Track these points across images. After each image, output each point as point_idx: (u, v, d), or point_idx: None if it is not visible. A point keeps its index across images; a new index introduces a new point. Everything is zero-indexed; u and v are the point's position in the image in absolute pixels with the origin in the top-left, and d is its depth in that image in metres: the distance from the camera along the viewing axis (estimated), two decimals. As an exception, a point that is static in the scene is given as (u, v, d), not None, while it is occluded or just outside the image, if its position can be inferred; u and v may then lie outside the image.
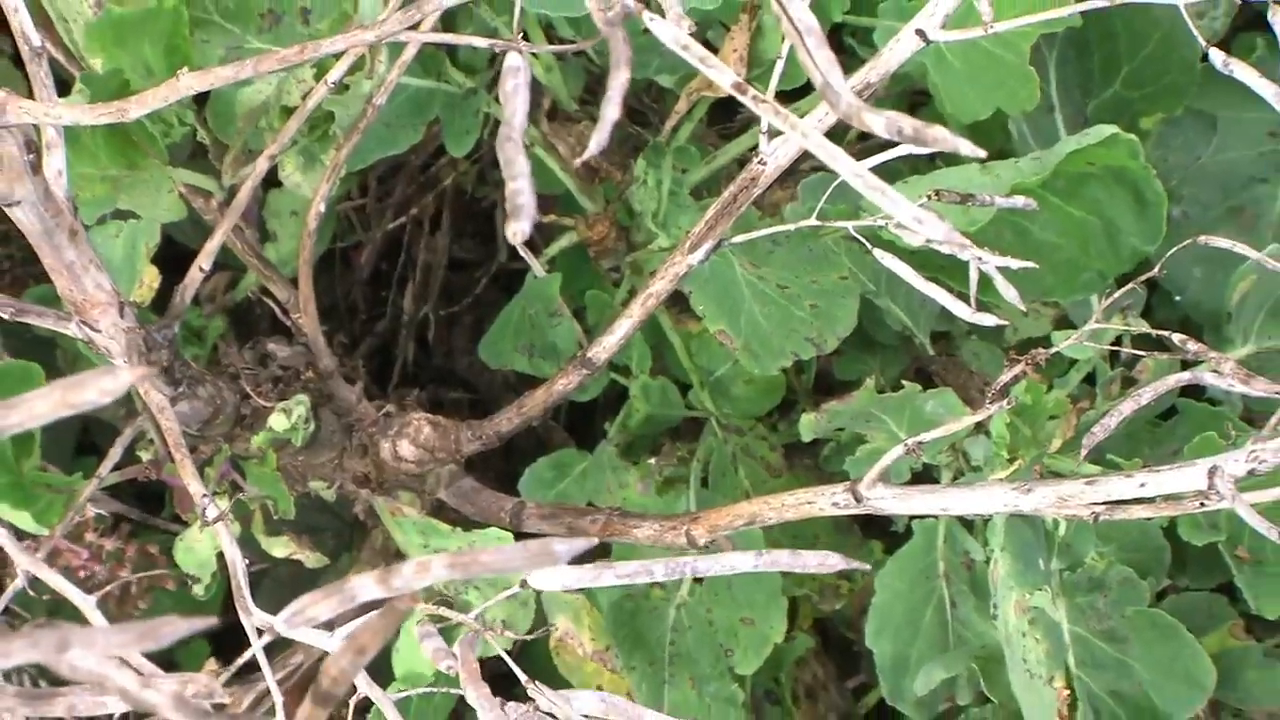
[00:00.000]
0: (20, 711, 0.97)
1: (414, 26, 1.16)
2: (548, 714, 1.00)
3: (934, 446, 1.79)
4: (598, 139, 0.78)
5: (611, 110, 0.77)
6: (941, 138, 0.76)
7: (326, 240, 2.24)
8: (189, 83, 1.18)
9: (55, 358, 2.06)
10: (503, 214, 2.33)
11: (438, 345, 2.50)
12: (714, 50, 1.81)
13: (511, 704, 0.99)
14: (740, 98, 0.82)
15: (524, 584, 0.93)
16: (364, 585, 0.76)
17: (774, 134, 1.54)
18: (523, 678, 1.02)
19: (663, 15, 0.89)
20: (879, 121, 0.76)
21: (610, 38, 0.80)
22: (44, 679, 2.00)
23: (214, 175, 1.88)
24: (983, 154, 0.77)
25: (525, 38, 1.77)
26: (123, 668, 0.69)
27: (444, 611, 1.01)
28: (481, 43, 0.97)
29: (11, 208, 1.39)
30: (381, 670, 1.45)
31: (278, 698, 1.02)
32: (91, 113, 1.22)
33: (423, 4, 0.97)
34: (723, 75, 0.83)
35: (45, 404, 0.65)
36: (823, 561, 1.02)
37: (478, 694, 0.94)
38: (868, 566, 1.26)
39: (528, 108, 0.82)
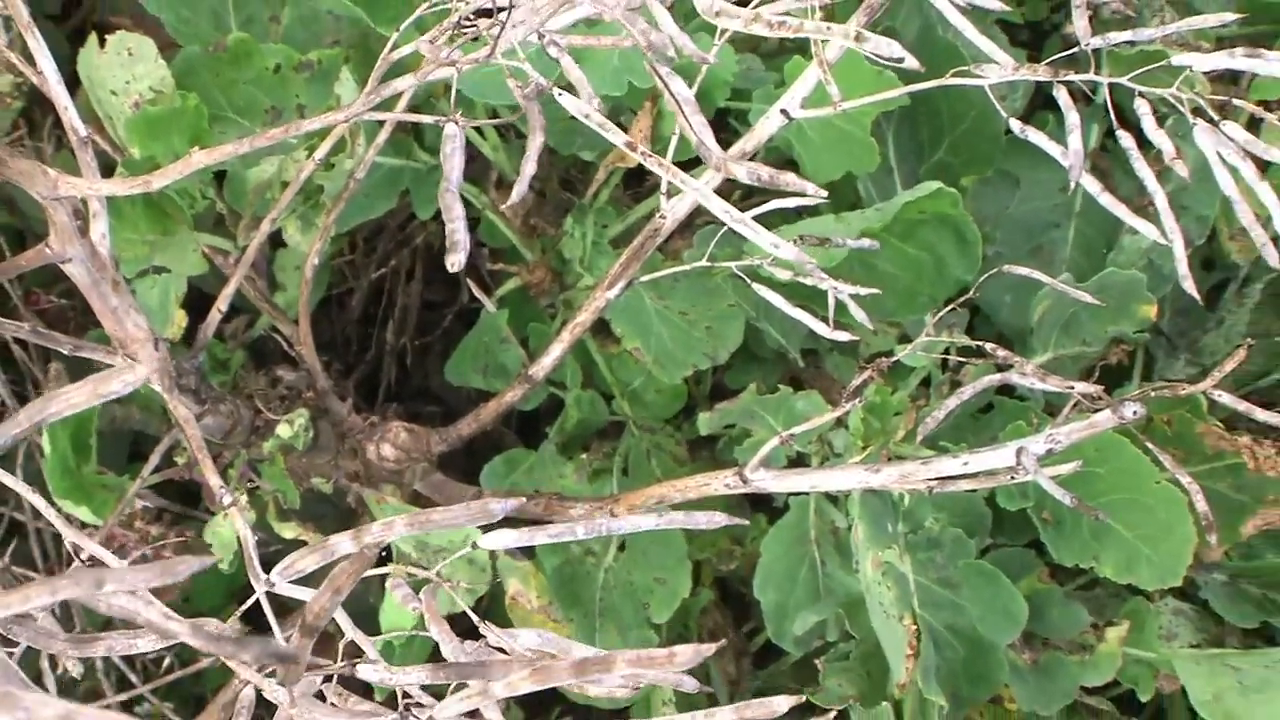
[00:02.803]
0: (70, 653, 0.95)
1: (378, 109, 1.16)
2: (496, 648, 1.00)
3: (804, 437, 1.79)
4: (519, 189, 0.78)
5: (529, 166, 0.77)
6: (791, 180, 0.76)
7: (323, 288, 2.23)
8: (200, 158, 1.16)
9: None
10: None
11: (415, 369, 2.48)
12: (624, 130, 1.81)
13: (468, 642, 0.99)
14: (631, 154, 0.82)
15: (474, 546, 0.93)
16: (342, 542, 0.76)
17: (672, 194, 1.55)
18: (476, 619, 1.02)
19: (574, 94, 0.89)
20: (742, 170, 0.77)
21: (527, 110, 0.80)
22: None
23: (230, 238, 1.87)
24: (824, 194, 0.77)
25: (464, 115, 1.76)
26: (150, 604, 0.68)
27: (412, 569, 1.01)
28: (427, 119, 0.97)
29: (65, 264, 1.38)
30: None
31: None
32: (123, 185, 1.21)
33: (382, 90, 0.97)
34: (616, 137, 0.83)
35: (81, 394, 0.64)
36: (710, 519, 1.02)
37: (438, 629, 0.93)
38: (747, 522, 1.27)
39: (463, 166, 0.82)
